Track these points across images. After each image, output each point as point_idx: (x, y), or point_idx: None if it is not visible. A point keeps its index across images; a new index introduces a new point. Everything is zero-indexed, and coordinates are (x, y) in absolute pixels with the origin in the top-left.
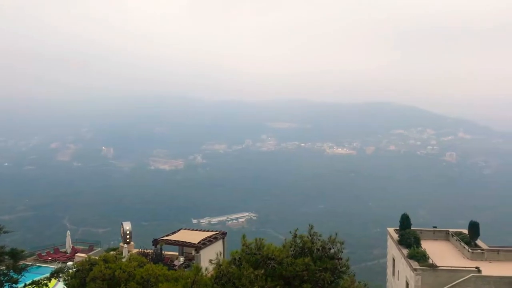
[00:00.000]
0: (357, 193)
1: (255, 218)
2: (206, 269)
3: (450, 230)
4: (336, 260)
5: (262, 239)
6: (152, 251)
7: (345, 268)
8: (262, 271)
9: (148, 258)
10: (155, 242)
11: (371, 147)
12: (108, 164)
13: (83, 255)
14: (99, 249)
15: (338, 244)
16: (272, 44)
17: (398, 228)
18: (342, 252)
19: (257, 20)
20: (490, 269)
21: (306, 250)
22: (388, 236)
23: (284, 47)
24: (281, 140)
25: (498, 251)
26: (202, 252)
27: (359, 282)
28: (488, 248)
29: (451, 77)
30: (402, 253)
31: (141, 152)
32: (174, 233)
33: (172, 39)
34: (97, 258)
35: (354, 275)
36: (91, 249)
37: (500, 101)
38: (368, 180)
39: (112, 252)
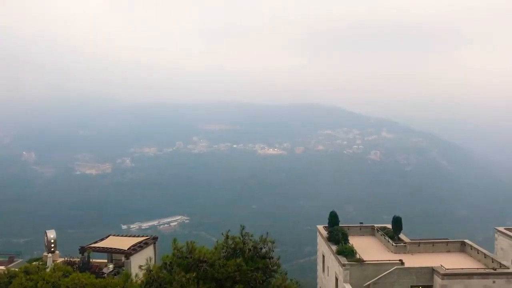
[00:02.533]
0: (288, 192)
1: (187, 221)
2: (136, 275)
3: (376, 225)
4: (268, 260)
5: (194, 242)
6: (79, 259)
7: (276, 267)
8: (194, 274)
9: (74, 267)
10: (82, 250)
11: (300, 147)
12: (29, 170)
13: (1, 267)
14: (20, 260)
15: (269, 244)
16: (191, 45)
17: (327, 225)
18: (273, 251)
19: (184, 20)
20: (412, 261)
21: (238, 251)
22: (318, 233)
23: (201, 46)
24: (213, 142)
25: (419, 243)
26: (132, 258)
27: (290, 280)
28: (410, 241)
29: (373, 78)
30: (331, 250)
31: (65, 157)
32: (102, 239)
33: (93, 35)
34: (17, 270)
35: (286, 273)
36: (11, 260)
37: (418, 102)
38: (299, 180)
39: (34, 263)
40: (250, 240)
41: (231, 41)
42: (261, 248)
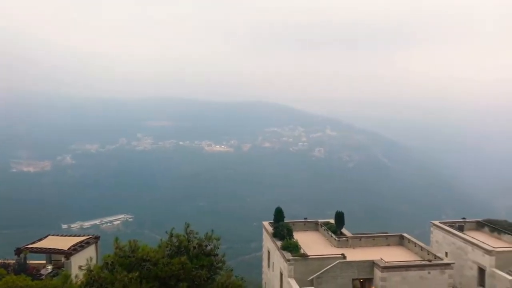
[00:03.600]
0: (236, 189)
1: (131, 220)
2: (77, 276)
3: (319, 220)
4: (213, 257)
5: (137, 241)
6: (14, 261)
7: (221, 264)
8: (137, 274)
9: (9, 269)
10: (18, 251)
11: (247, 144)
12: None
13: None
14: None
15: (215, 241)
16: (134, 40)
17: (272, 221)
18: (218, 248)
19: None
20: (354, 254)
21: (183, 249)
22: (264, 229)
23: (146, 41)
24: (158, 139)
25: (360, 238)
26: (73, 258)
27: (236, 276)
28: (352, 235)
29: (319, 77)
30: (276, 245)
31: (0, 154)
32: (40, 240)
33: (34, 28)
34: None
35: (231, 270)
36: None
37: (361, 101)
38: (246, 176)
39: None
40: (195, 238)
41: (174, 31)
42: (206, 246)
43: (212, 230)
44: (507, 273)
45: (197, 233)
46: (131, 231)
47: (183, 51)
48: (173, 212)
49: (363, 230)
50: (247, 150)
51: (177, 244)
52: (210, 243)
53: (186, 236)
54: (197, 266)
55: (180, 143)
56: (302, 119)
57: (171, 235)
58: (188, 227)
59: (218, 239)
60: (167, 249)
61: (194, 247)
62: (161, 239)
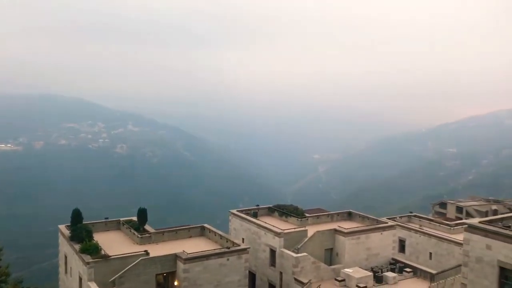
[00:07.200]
0: (28, 191)
1: None
2: None
3: (121, 219)
4: None
5: None
6: None
7: (4, 276)
8: None
9: None
10: None
11: (40, 142)
12: None
13: None
14: None
15: None
16: None
17: (70, 224)
18: (0, 259)
19: None
20: (157, 250)
21: None
22: (60, 233)
23: None
24: None
25: (163, 233)
26: None
27: (28, 287)
28: (155, 231)
29: (120, 72)
30: (74, 249)
31: None
32: None
33: None
34: None
35: (21, 281)
36: None
37: (164, 97)
38: (39, 177)
39: None
40: None
41: None
42: None
43: None
44: (293, 251)
45: None
46: None
47: None
48: None
49: (170, 225)
50: (40, 148)
51: None
52: None
53: None
54: None
55: None
56: (102, 114)
57: None
58: None
59: (0, 250)
60: None
61: None
62: None
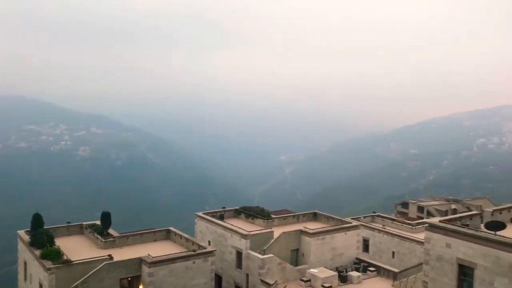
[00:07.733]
0: None
1: None
2: None
3: (84, 223)
4: None
5: None
6: None
7: None
8: None
9: None
10: None
11: None
12: None
13: None
14: None
15: None
16: None
17: (30, 229)
18: None
19: None
20: (122, 254)
21: None
22: (19, 239)
23: None
24: None
25: (127, 236)
26: None
27: None
28: (119, 235)
29: (82, 73)
30: (34, 255)
31: None
32: None
33: None
34: None
35: None
36: None
37: (129, 99)
38: None
39: None
40: None
41: None
42: None
43: None
44: (259, 253)
45: None
46: None
47: None
48: None
49: (135, 228)
50: None
51: None
52: None
53: None
54: None
55: None
56: (64, 116)
57: None
58: None
59: None
60: None
61: None
62: None
